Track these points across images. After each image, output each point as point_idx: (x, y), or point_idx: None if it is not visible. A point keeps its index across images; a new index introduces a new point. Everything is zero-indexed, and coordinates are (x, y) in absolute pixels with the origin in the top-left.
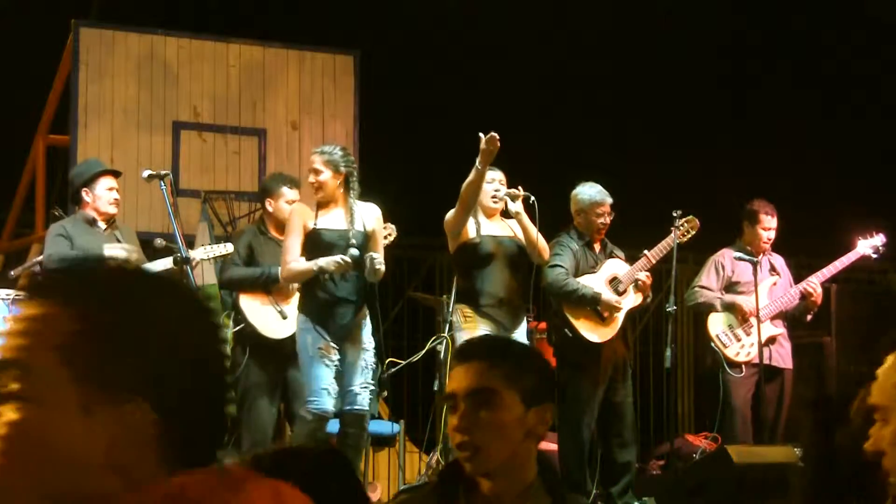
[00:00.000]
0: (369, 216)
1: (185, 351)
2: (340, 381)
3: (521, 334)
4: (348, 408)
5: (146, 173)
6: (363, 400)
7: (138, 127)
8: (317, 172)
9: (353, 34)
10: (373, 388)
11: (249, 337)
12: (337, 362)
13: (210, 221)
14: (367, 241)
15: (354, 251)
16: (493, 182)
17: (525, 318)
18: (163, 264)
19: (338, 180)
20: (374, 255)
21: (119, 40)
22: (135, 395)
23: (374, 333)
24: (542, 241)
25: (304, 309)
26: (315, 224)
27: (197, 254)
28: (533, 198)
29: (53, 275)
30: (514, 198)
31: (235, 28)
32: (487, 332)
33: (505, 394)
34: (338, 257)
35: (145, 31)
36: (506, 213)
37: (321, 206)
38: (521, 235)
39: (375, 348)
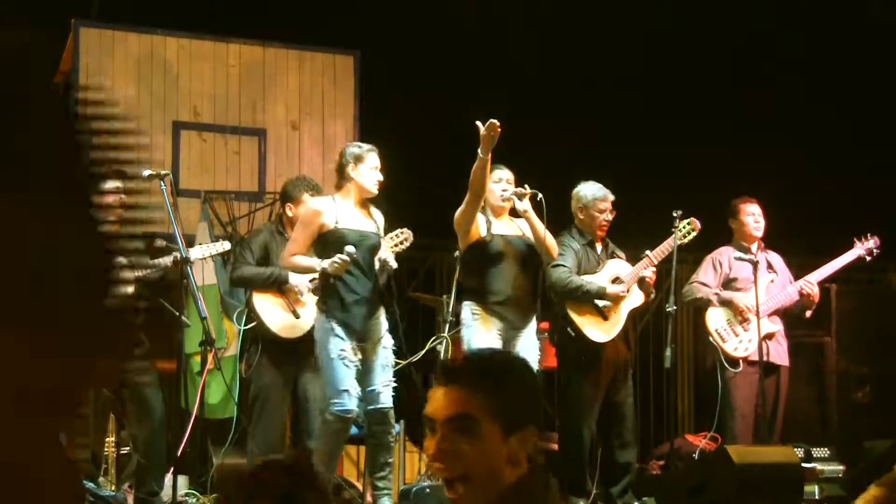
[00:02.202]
0: (380, 219)
1: None
2: (362, 381)
3: (530, 332)
4: (372, 407)
5: (146, 173)
6: (386, 398)
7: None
8: (381, 170)
9: (353, 34)
10: (395, 384)
11: (262, 335)
12: (358, 363)
13: (210, 221)
14: (378, 242)
15: (351, 248)
16: (501, 181)
17: (535, 317)
18: (161, 262)
19: None
20: (386, 257)
21: (119, 40)
22: None
23: (393, 331)
24: (550, 239)
25: (324, 309)
26: (336, 223)
27: (194, 252)
28: (540, 195)
29: None
30: (521, 196)
31: (235, 28)
32: (495, 330)
33: (484, 422)
34: (335, 258)
35: (145, 31)
36: (514, 212)
37: (351, 203)
38: (529, 234)
39: (396, 346)
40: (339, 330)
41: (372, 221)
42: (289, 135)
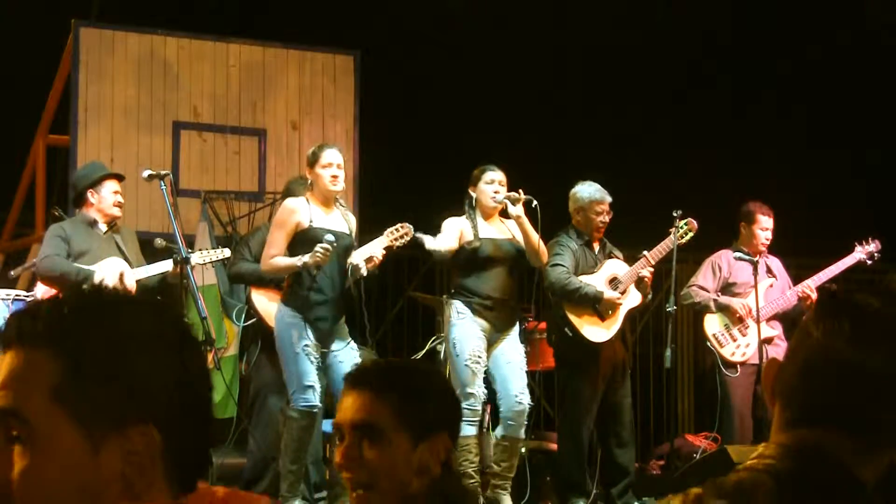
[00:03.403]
0: (352, 220)
1: (171, 372)
2: (326, 380)
3: (513, 336)
4: None
5: (146, 173)
6: None
7: (138, 127)
8: (339, 167)
9: (353, 34)
10: None
11: (261, 332)
12: (319, 361)
13: (210, 221)
14: (352, 243)
15: (330, 236)
16: (493, 183)
17: (519, 320)
18: (162, 267)
19: None
20: (358, 262)
21: (119, 40)
22: (136, 420)
23: (372, 334)
24: (542, 246)
25: (289, 303)
26: (311, 222)
27: (194, 258)
28: (535, 202)
29: (28, 320)
30: (514, 201)
31: (235, 28)
32: (480, 331)
33: (391, 431)
34: (317, 248)
35: (145, 31)
36: (504, 213)
37: (320, 204)
38: (518, 237)
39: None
40: (303, 326)
41: (345, 223)
42: (289, 135)
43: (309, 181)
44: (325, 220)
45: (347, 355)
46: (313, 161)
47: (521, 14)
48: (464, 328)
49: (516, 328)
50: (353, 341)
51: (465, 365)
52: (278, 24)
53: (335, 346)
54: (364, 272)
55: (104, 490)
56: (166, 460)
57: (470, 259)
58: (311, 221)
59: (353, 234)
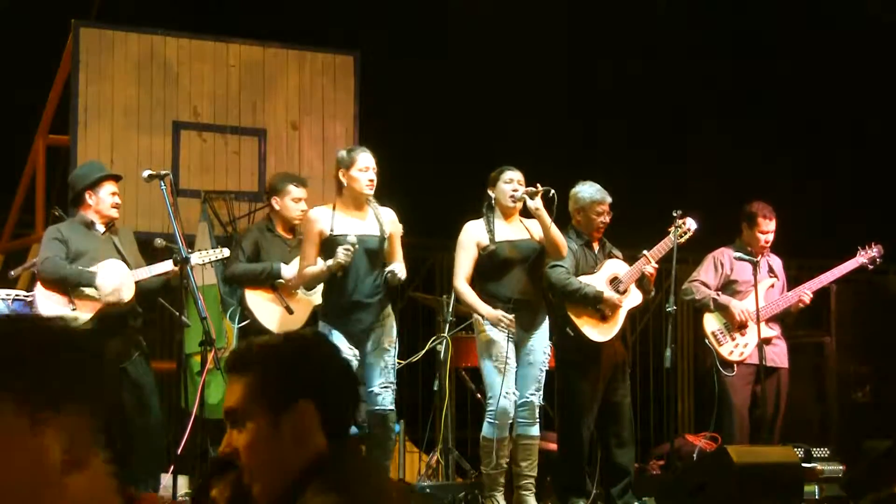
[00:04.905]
0: (387, 220)
1: (99, 378)
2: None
3: (542, 333)
4: (370, 409)
5: (146, 173)
6: (384, 400)
7: (138, 127)
8: (374, 170)
9: (353, 34)
10: (394, 387)
11: (256, 332)
12: (355, 363)
13: (210, 221)
14: (384, 244)
15: (352, 237)
16: (512, 182)
17: (545, 318)
18: (161, 268)
19: None
20: (394, 269)
21: (119, 40)
22: (70, 405)
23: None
24: (560, 238)
25: (324, 315)
26: (332, 230)
27: (193, 258)
28: (553, 191)
29: None
30: (532, 195)
31: (235, 28)
32: (508, 334)
33: (249, 410)
34: (339, 250)
35: (145, 31)
36: (524, 213)
37: (344, 209)
38: (536, 235)
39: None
40: (335, 334)
41: (375, 223)
42: (289, 135)
43: (341, 187)
44: (351, 224)
45: (376, 357)
46: (349, 164)
47: (520, 14)
48: (490, 332)
49: (545, 325)
50: (389, 341)
51: (494, 367)
52: (278, 24)
53: (368, 347)
54: (402, 276)
55: (49, 470)
56: (110, 455)
57: (488, 263)
58: (331, 230)
59: (389, 230)
